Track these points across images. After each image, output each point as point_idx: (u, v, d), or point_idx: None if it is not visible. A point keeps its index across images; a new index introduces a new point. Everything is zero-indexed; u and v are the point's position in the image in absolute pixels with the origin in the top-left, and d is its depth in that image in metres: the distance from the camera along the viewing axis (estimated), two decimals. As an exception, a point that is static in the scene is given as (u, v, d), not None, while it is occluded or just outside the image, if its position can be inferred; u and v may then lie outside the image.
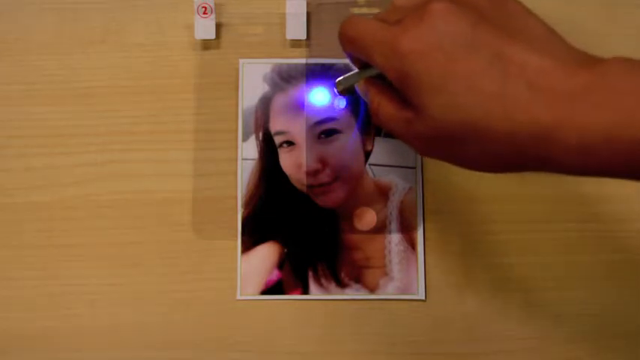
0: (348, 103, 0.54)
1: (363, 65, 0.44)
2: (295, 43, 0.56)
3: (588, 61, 0.37)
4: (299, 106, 0.55)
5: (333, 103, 0.54)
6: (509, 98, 0.37)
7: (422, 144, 0.41)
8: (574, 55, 0.38)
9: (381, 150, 0.54)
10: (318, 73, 0.55)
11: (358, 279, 0.53)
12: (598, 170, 0.36)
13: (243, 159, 0.55)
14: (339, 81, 0.46)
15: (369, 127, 0.54)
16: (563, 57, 0.37)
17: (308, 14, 0.56)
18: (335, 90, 0.48)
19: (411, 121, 0.40)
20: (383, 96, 0.42)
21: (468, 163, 0.41)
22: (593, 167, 0.36)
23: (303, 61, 0.55)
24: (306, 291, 0.53)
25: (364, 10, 0.56)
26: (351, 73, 0.46)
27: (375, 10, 0.56)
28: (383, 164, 0.54)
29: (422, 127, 0.39)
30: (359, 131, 0.54)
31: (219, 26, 0.56)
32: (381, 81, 0.42)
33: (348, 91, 0.47)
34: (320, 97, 0.54)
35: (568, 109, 0.36)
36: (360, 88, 0.45)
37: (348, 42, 0.43)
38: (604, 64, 0.36)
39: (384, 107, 0.42)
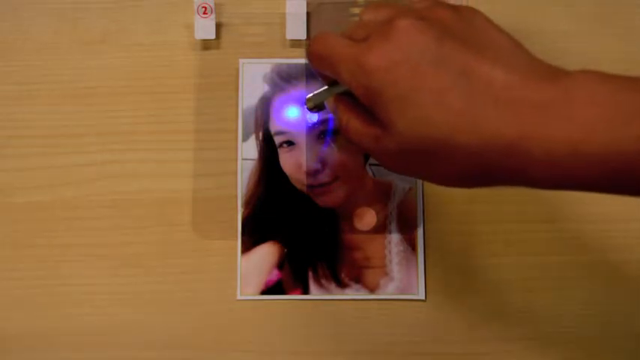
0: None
1: (332, 82, 0.44)
2: (295, 43, 0.56)
3: (554, 75, 0.37)
4: (299, 106, 0.55)
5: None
6: (476, 113, 0.37)
7: (391, 160, 0.41)
8: (540, 69, 0.38)
9: (381, 150, 0.54)
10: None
11: (358, 279, 0.53)
12: (568, 183, 0.36)
13: (243, 159, 0.55)
14: (309, 98, 0.46)
15: None
16: (528, 71, 0.37)
17: (308, 14, 0.56)
18: (305, 106, 0.47)
19: (379, 138, 0.40)
20: (351, 113, 0.42)
21: (438, 178, 0.41)
22: (562, 180, 0.36)
23: (303, 61, 0.55)
24: (306, 291, 0.53)
25: (364, 10, 0.56)
26: (321, 90, 0.45)
27: (375, 10, 0.55)
28: (383, 164, 0.54)
29: (390, 143, 0.39)
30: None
31: (219, 26, 0.56)
32: (350, 98, 0.42)
33: (318, 108, 0.47)
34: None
35: (534, 122, 0.36)
36: (329, 104, 0.45)
37: (316, 59, 0.43)
38: (569, 77, 0.36)
39: (353, 124, 0.42)
